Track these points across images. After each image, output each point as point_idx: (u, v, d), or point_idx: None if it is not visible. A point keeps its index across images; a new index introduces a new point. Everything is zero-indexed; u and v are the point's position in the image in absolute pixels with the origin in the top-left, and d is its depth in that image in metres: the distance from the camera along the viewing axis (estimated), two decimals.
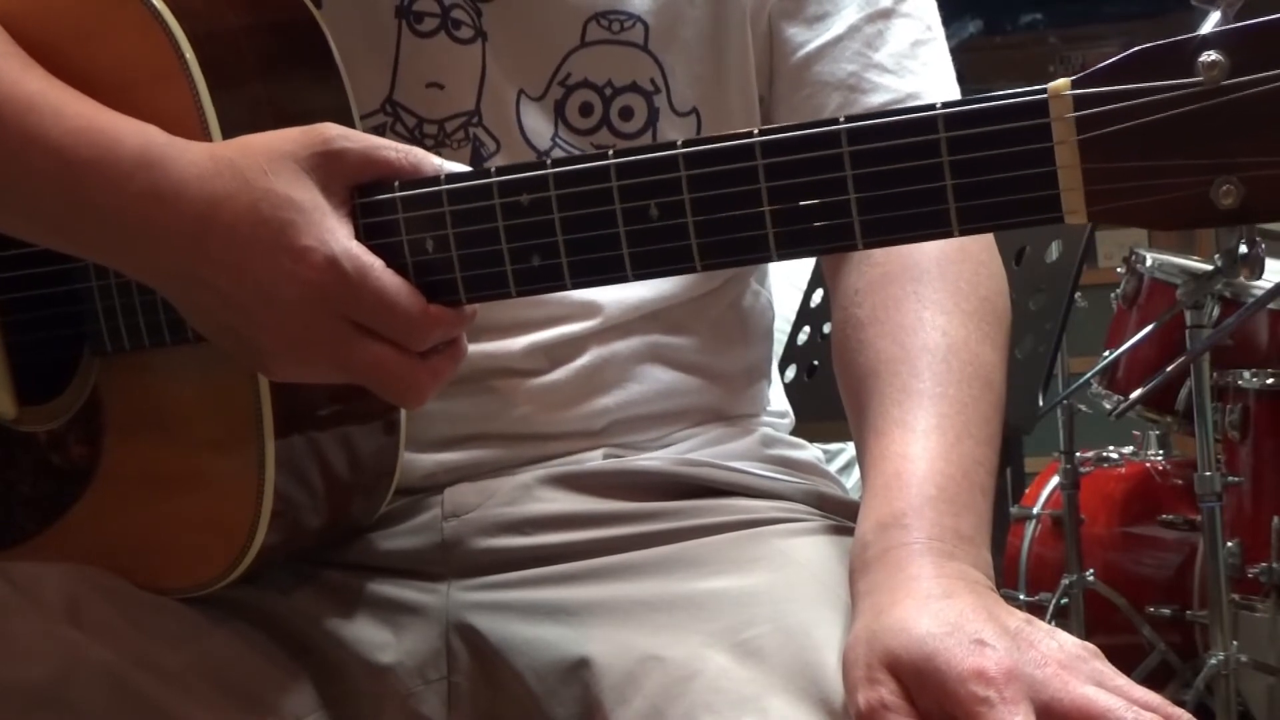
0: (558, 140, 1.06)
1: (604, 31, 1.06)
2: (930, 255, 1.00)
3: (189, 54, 0.91)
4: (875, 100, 1.07)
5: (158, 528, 0.99)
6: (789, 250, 0.81)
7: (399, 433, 1.01)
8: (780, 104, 1.10)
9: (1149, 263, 3.01)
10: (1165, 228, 0.72)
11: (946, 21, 1.14)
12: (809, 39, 1.09)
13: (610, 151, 0.84)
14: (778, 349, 1.94)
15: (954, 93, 1.10)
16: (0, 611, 0.94)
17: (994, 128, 0.75)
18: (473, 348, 1.00)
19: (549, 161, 0.85)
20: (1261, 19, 0.69)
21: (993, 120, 0.75)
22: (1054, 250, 2.23)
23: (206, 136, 0.90)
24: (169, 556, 0.98)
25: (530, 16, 1.05)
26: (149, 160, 0.88)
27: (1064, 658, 0.80)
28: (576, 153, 1.05)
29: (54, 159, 0.89)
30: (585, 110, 1.06)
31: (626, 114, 1.07)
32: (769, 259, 0.82)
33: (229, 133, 0.90)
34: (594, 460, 1.07)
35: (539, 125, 1.06)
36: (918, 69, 1.08)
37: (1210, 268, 2.58)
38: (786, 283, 2.23)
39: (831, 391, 1.07)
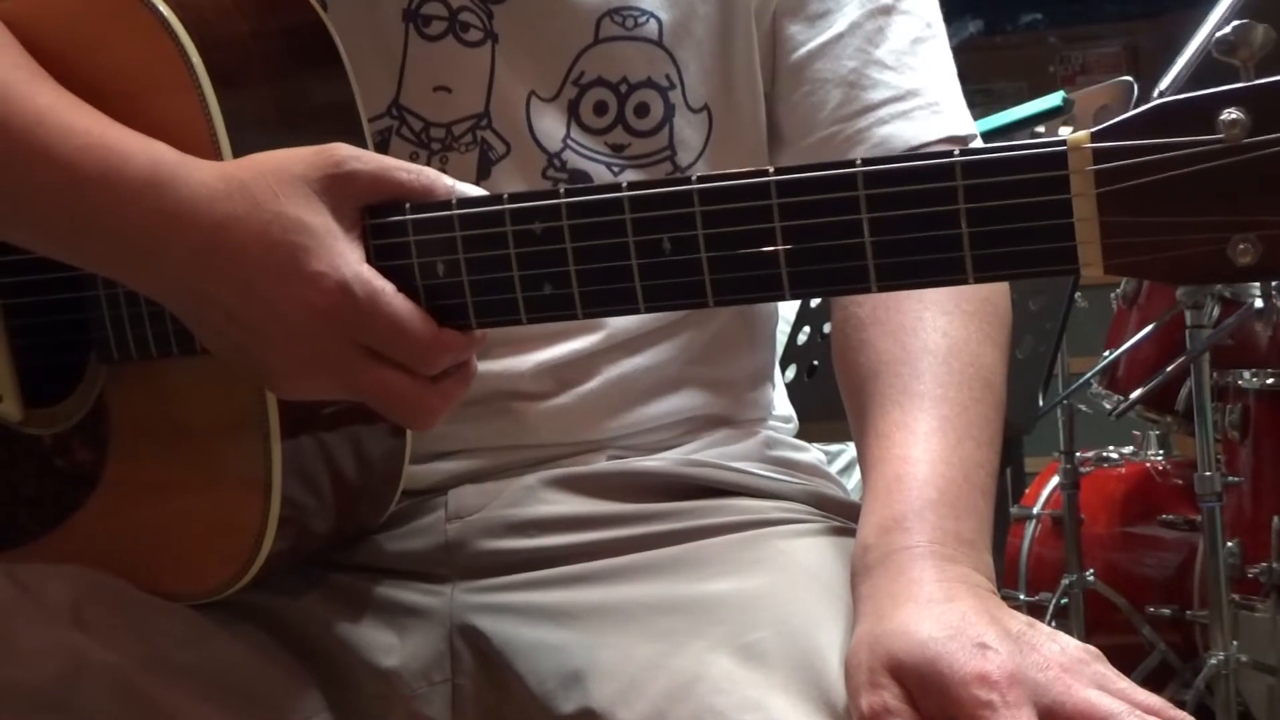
0: (569, 141, 1.06)
1: (618, 28, 1.05)
2: None
3: (196, 60, 0.91)
4: (875, 96, 1.07)
5: (163, 536, 0.99)
6: (802, 290, 0.81)
7: (404, 438, 1.01)
8: (781, 101, 1.10)
9: None
10: (1182, 283, 0.73)
11: (946, 21, 1.14)
12: (811, 36, 1.09)
13: (625, 184, 0.83)
14: (778, 349, 1.94)
15: (954, 90, 1.10)
16: (6, 614, 0.94)
17: (1012, 177, 0.75)
18: (479, 365, 1.00)
19: (562, 190, 0.84)
20: None
21: (1011, 170, 0.75)
22: None
23: (215, 143, 0.90)
24: (175, 564, 0.98)
25: (543, 16, 1.05)
26: (158, 180, 0.87)
27: (1066, 661, 0.81)
28: (588, 153, 1.05)
29: (62, 175, 0.89)
30: (600, 109, 1.06)
31: (642, 111, 1.06)
32: (782, 297, 0.82)
33: (237, 138, 0.90)
34: (597, 462, 1.07)
35: (550, 126, 1.05)
36: (918, 66, 1.09)
37: None
38: None
39: (831, 391, 1.07)
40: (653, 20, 1.06)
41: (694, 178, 0.82)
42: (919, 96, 1.07)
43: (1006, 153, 0.75)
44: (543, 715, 0.96)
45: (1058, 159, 0.74)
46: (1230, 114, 0.70)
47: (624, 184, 0.83)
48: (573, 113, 1.06)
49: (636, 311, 0.85)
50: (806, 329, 2.24)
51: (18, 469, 1.04)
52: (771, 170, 0.80)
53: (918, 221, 0.77)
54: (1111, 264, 0.74)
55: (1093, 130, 0.73)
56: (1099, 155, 0.73)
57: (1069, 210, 0.74)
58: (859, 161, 0.78)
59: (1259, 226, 0.70)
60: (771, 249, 0.80)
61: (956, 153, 0.76)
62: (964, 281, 0.77)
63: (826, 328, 2.15)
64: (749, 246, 0.81)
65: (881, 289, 0.79)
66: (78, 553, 1.00)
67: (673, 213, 0.82)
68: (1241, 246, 0.71)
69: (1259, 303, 2.33)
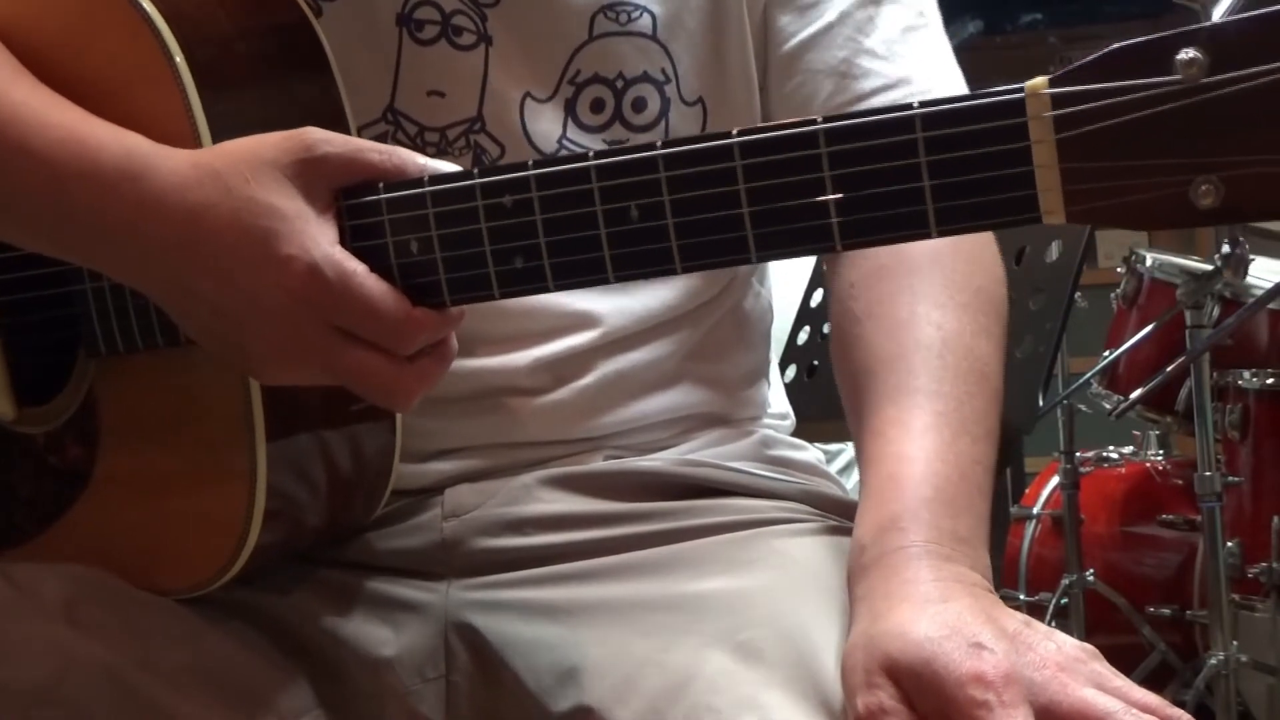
0: (565, 141, 1.06)
1: (612, 23, 1.05)
2: (924, 247, 0.99)
3: (178, 57, 0.91)
4: (866, 86, 1.07)
5: (154, 529, 0.99)
6: (768, 252, 0.80)
7: (395, 432, 1.00)
8: (774, 93, 1.10)
9: (1149, 263, 3.01)
10: (1145, 228, 0.72)
11: (946, 21, 1.14)
12: (801, 27, 1.09)
13: (591, 153, 0.83)
14: (777, 349, 1.94)
15: (948, 77, 1.10)
16: (1, 613, 0.94)
17: (971, 127, 0.74)
18: (474, 363, 1.00)
19: (530, 162, 0.84)
20: (1240, 15, 0.68)
21: (970, 120, 0.74)
22: (1054, 250, 2.22)
23: (196, 140, 0.90)
24: (165, 557, 0.98)
25: (538, 16, 1.05)
26: (132, 171, 0.88)
27: (1062, 660, 0.80)
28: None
29: (40, 169, 0.89)
30: (597, 106, 1.06)
31: (639, 105, 1.06)
32: (749, 260, 0.81)
33: (219, 136, 0.90)
34: (594, 461, 1.07)
35: (546, 127, 1.05)
36: (908, 54, 1.08)
37: (1210, 268, 2.58)
38: (785, 283, 2.22)
39: (831, 391, 1.06)
40: (646, 15, 1.06)
41: (658, 143, 0.81)
42: (910, 84, 1.07)
43: (965, 103, 0.74)
44: (538, 712, 0.95)
45: (1015, 106, 0.73)
46: (1187, 54, 0.69)
47: (590, 152, 0.83)
48: (569, 111, 1.06)
49: (606, 282, 0.84)
50: (806, 329, 2.25)
51: (14, 469, 1.04)
52: (734, 132, 0.80)
53: (879, 177, 0.76)
54: (1073, 210, 0.73)
55: (1050, 76, 0.73)
56: (1057, 100, 0.72)
57: (1029, 158, 0.73)
58: (820, 119, 0.78)
59: (1220, 167, 0.69)
60: (736, 211, 0.80)
61: (915, 105, 0.75)
62: (928, 235, 0.76)
63: (826, 328, 2.15)
64: (714, 210, 0.80)
65: (846, 247, 0.79)
66: (74, 549, 1.00)
67: (639, 179, 0.82)
68: (1204, 188, 0.70)
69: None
